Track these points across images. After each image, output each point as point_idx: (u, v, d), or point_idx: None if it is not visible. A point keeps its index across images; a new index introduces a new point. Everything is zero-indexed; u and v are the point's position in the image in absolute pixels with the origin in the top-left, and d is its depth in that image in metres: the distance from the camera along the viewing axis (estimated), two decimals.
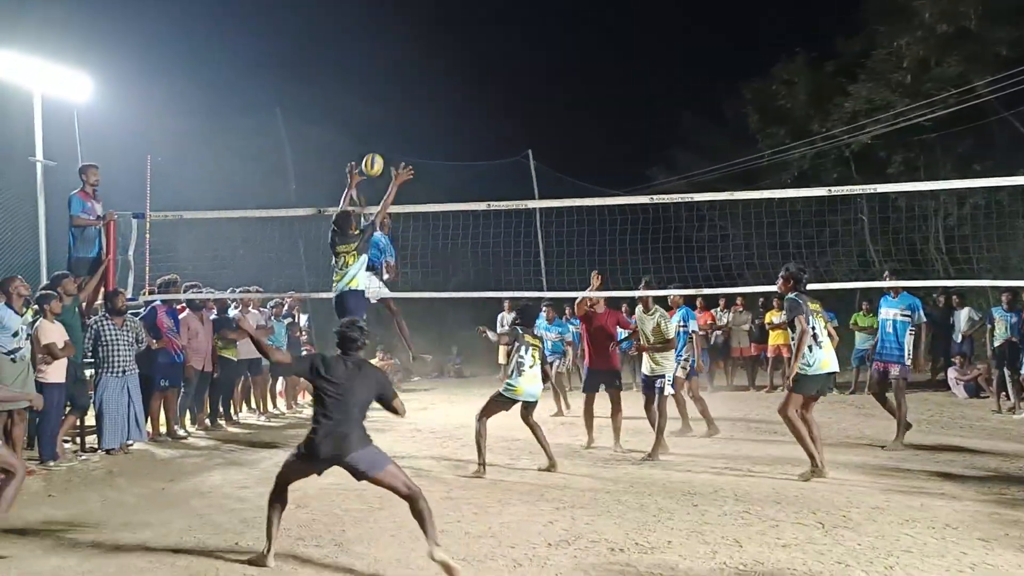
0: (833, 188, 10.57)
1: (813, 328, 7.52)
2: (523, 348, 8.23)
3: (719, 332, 16.16)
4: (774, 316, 15.56)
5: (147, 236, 10.26)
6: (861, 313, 15.34)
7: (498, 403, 8.25)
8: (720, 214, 19.50)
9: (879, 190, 9.95)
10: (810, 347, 7.50)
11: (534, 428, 8.23)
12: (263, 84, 24.53)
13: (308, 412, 13.33)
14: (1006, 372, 12.01)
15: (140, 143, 15.30)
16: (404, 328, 9.69)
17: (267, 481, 7.26)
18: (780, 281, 7.82)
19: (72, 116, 12.95)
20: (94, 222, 9.93)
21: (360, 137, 25.77)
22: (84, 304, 9.77)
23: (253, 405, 12.67)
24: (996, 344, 12.18)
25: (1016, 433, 10.11)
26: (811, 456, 7.51)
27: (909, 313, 9.45)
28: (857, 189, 10.09)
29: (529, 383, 8.19)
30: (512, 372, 8.26)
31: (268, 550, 5.09)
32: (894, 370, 9.36)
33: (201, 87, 24.74)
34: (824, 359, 7.56)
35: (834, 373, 7.89)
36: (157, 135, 18.56)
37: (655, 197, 10.34)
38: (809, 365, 7.51)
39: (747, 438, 9.93)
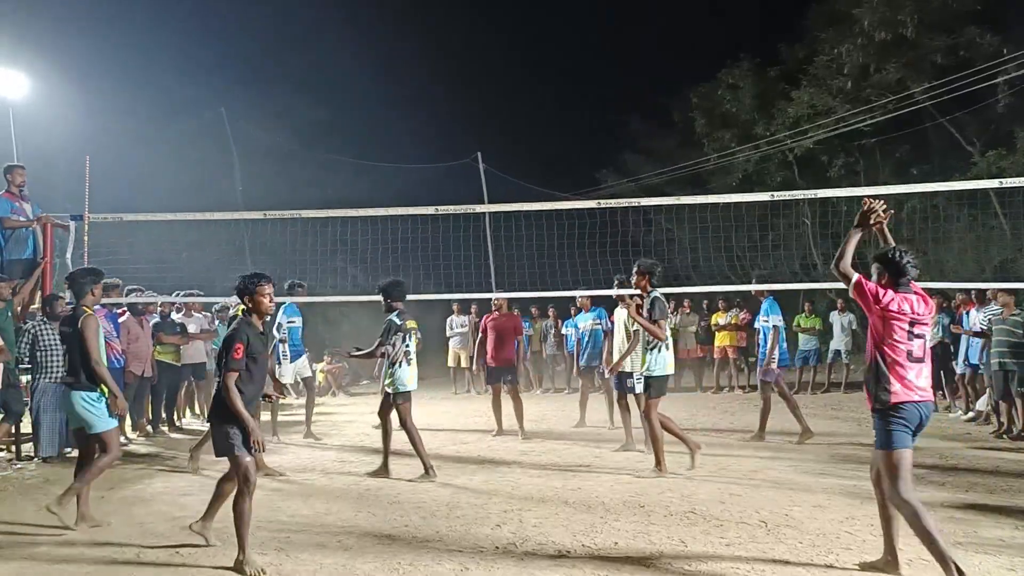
0: (776, 194, 10.76)
1: (666, 330, 7.88)
2: (406, 336, 7.98)
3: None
4: (719, 317, 15.83)
5: (85, 239, 10.01)
6: (804, 314, 15.67)
7: (404, 402, 7.99)
8: (667, 217, 19.71)
9: (820, 195, 10.17)
10: (660, 348, 7.78)
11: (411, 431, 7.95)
12: (208, 85, 24.14)
13: None
14: (941, 373, 12.34)
15: (79, 143, 15.00)
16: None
17: (209, 489, 7.16)
18: (635, 278, 7.88)
19: (7, 115, 12.62)
20: (25, 223, 9.65)
21: (308, 139, 25.60)
22: (20, 308, 9.49)
23: (197, 410, 12.46)
24: (929, 345, 12.50)
25: (952, 431, 10.40)
26: (658, 457, 7.80)
27: (767, 318, 10.06)
28: (799, 194, 10.30)
29: (415, 371, 8.11)
30: (399, 363, 7.89)
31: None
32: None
33: (144, 87, 24.34)
34: (670, 361, 7.92)
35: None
36: (97, 135, 18.18)
37: (602, 202, 10.43)
38: (658, 365, 7.78)
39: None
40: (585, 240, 12.12)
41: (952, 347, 11.96)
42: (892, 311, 4.69)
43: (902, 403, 4.63)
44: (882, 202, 5.09)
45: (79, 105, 18.87)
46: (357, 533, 5.82)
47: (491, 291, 14.53)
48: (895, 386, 4.64)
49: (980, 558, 5.03)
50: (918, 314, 4.77)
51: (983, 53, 17.88)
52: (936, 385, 12.56)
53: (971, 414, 11.18)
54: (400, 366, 7.89)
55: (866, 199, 5.13)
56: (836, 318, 15.19)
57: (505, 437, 10.27)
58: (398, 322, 7.90)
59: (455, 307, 16.31)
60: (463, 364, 16.32)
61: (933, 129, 20.10)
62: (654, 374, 7.79)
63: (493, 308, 11.12)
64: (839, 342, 15.18)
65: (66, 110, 18.08)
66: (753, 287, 10.23)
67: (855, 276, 4.80)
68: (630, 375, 9.24)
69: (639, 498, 6.77)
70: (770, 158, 22.93)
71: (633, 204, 10.59)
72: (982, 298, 10.87)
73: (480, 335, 11.47)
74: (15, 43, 16.60)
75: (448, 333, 16.52)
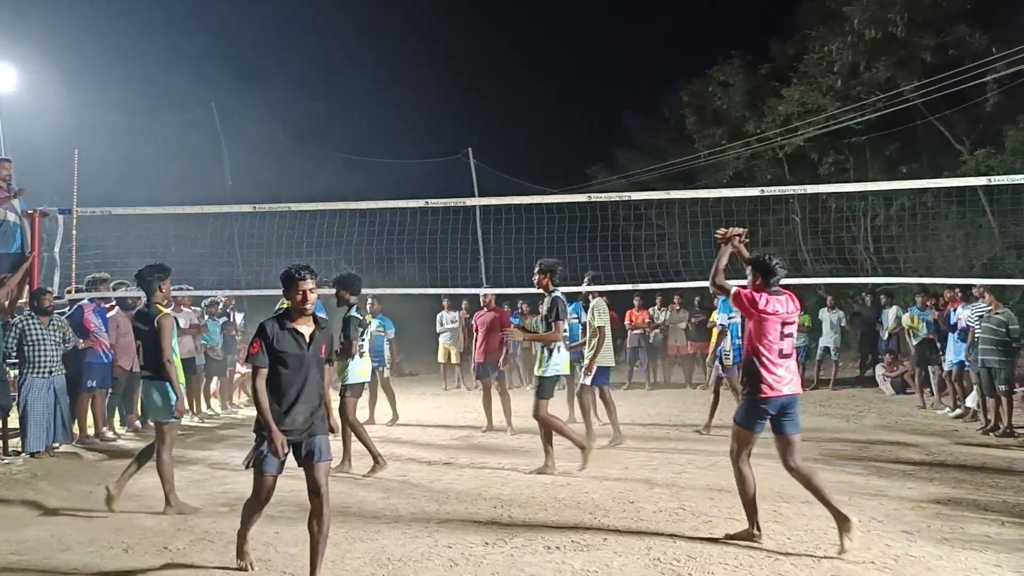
0: (766, 188, 10.81)
1: (566, 330, 7.93)
2: (364, 330, 8.17)
3: (657, 331, 16.34)
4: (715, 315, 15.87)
5: (73, 232, 9.96)
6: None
7: (352, 396, 8.10)
8: (657, 212, 19.77)
9: (809, 191, 10.21)
10: (559, 348, 7.81)
11: (355, 426, 8.02)
12: (198, 78, 24.04)
13: (243, 413, 13.17)
14: (930, 369, 12.40)
15: (68, 136, 14.90)
16: None
17: (199, 484, 7.14)
18: (536, 276, 7.84)
19: None
20: (11, 196, 9.60)
21: (298, 133, 25.54)
22: (7, 302, 9.44)
23: (186, 405, 12.41)
24: (915, 343, 12.59)
25: (939, 428, 10.46)
26: (548, 452, 7.79)
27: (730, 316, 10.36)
28: (788, 190, 10.34)
29: (368, 365, 8.34)
30: (353, 356, 7.96)
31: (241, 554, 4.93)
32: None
33: (134, 80, 24.25)
34: (566, 361, 8.01)
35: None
36: (87, 128, 18.08)
37: (593, 196, 10.46)
38: (551, 366, 7.80)
39: (683, 436, 10.07)
40: (576, 236, 12.10)
41: (938, 344, 12.02)
42: (768, 312, 5.27)
43: (769, 397, 5.24)
44: (736, 229, 5.85)
45: (68, 98, 18.78)
46: (346, 528, 5.81)
47: (481, 286, 14.53)
48: (766, 382, 5.25)
49: (967, 554, 5.07)
50: (788, 313, 5.36)
51: (972, 52, 17.94)
52: (924, 382, 12.64)
53: (958, 411, 11.23)
54: (354, 359, 7.95)
55: (720, 230, 5.84)
56: (826, 315, 15.23)
57: (495, 433, 10.29)
58: (359, 316, 7.93)
59: (445, 303, 16.27)
60: (453, 360, 16.30)
61: (922, 127, 20.17)
62: (546, 375, 7.79)
63: (482, 304, 11.16)
64: (828, 339, 15.21)
65: (55, 103, 17.98)
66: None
67: (733, 288, 5.45)
68: (607, 369, 9.28)
69: (628, 494, 6.79)
70: (760, 155, 22.98)
71: (624, 198, 10.63)
72: (968, 295, 10.92)
73: (475, 334, 11.47)
74: (3, 35, 16.47)
75: (438, 329, 16.48)
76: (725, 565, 4.90)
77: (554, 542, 5.41)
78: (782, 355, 5.28)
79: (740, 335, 10.24)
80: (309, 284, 4.67)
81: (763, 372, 5.23)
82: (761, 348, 5.26)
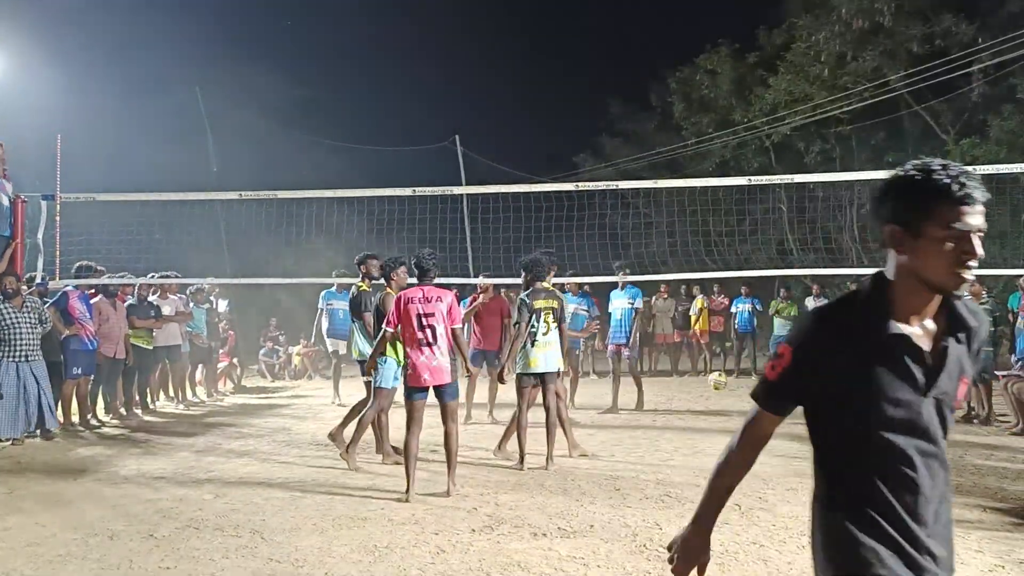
0: (753, 178, 10.83)
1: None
2: (533, 315, 7.51)
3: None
4: (699, 304, 15.97)
5: (57, 218, 9.88)
6: (779, 299, 15.79)
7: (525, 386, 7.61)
8: (645, 201, 19.76)
9: (796, 180, 10.23)
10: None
11: (549, 411, 7.54)
12: (182, 63, 23.82)
13: (229, 400, 13.13)
14: None
15: (51, 121, 14.74)
16: None
17: (184, 471, 7.12)
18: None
19: None
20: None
21: (284, 119, 25.36)
22: None
23: (171, 393, 12.36)
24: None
25: None
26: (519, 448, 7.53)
27: (632, 301, 10.55)
28: (775, 179, 10.36)
29: (543, 353, 7.57)
30: (526, 343, 7.51)
31: None
32: (625, 351, 10.61)
33: (117, 65, 24.02)
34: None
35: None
36: (69, 113, 17.89)
37: (580, 184, 10.46)
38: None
39: (668, 424, 10.11)
40: (563, 224, 12.10)
41: None
42: (407, 306, 6.35)
43: (414, 387, 6.45)
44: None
45: (50, 82, 18.55)
46: (332, 516, 5.81)
47: (468, 275, 14.48)
48: (416, 367, 6.34)
49: None
50: (425, 302, 6.36)
51: (958, 42, 18.03)
52: None
53: None
54: (524, 346, 7.54)
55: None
56: (812, 303, 15.27)
57: (482, 422, 10.26)
58: (528, 301, 7.55)
59: None
60: None
61: (908, 116, 20.26)
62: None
63: (480, 290, 10.69)
64: None
65: (37, 87, 17.79)
66: (619, 278, 10.50)
67: (386, 328, 6.64)
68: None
69: (615, 482, 6.81)
70: (747, 144, 23.02)
71: (611, 187, 10.62)
72: None
73: (473, 322, 11.06)
74: None
75: None
76: (711, 551, 4.91)
77: (541, 528, 5.43)
78: (421, 344, 6.28)
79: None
80: (980, 217, 1.96)
81: (411, 356, 6.32)
82: (406, 338, 6.35)
